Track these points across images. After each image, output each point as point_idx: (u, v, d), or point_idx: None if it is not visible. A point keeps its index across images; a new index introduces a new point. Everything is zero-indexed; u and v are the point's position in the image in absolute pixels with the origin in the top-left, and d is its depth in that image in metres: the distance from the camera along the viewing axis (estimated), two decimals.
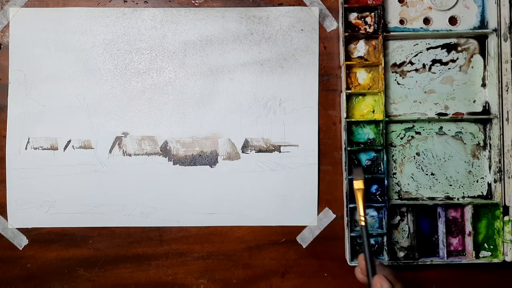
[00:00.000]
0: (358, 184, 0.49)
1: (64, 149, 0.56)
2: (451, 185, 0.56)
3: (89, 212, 0.56)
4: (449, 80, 0.56)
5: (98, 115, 0.57)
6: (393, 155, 0.56)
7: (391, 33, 0.55)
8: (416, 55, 0.56)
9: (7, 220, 0.56)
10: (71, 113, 0.56)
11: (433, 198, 0.56)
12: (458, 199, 0.56)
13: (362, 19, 0.56)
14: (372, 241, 0.55)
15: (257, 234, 0.57)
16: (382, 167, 0.55)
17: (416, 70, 0.56)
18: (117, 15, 0.57)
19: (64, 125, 0.56)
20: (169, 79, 0.57)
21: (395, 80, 0.56)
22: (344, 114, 0.55)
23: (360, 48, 0.56)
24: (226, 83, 0.57)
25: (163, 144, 0.57)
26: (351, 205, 0.54)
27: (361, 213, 0.47)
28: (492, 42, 0.55)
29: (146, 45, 0.57)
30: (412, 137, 0.56)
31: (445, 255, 0.54)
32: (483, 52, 0.56)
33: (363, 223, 0.47)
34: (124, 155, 0.57)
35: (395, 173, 0.56)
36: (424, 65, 0.56)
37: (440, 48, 0.56)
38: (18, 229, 0.57)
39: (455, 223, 0.56)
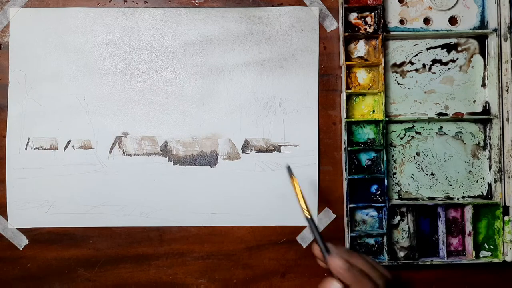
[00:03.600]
0: (293, 180, 0.50)
1: (64, 149, 0.56)
2: (451, 185, 0.56)
3: (89, 212, 0.56)
4: (449, 80, 0.56)
5: (98, 115, 0.57)
6: (393, 155, 0.56)
7: (391, 33, 0.55)
8: (416, 55, 0.56)
9: (7, 220, 0.56)
10: (71, 113, 0.56)
11: (433, 198, 0.56)
12: (458, 199, 0.56)
13: (362, 19, 0.56)
14: (372, 241, 0.55)
15: (257, 234, 0.57)
16: (382, 167, 0.55)
17: (416, 70, 0.56)
18: (117, 15, 0.57)
19: (64, 125, 0.56)
20: (169, 79, 0.57)
21: (395, 80, 0.56)
22: (344, 114, 0.55)
23: (360, 48, 0.56)
24: (226, 83, 0.57)
25: (163, 144, 0.57)
26: (351, 205, 0.54)
27: (303, 205, 0.48)
28: (492, 42, 0.55)
29: (146, 45, 0.57)
30: (412, 137, 0.56)
31: (445, 255, 0.54)
32: (483, 52, 0.56)
33: (308, 216, 0.47)
34: (124, 155, 0.57)
35: (395, 173, 0.56)
36: (424, 65, 0.56)
37: (440, 48, 0.56)
38: (18, 229, 0.57)
39: (455, 223, 0.56)
